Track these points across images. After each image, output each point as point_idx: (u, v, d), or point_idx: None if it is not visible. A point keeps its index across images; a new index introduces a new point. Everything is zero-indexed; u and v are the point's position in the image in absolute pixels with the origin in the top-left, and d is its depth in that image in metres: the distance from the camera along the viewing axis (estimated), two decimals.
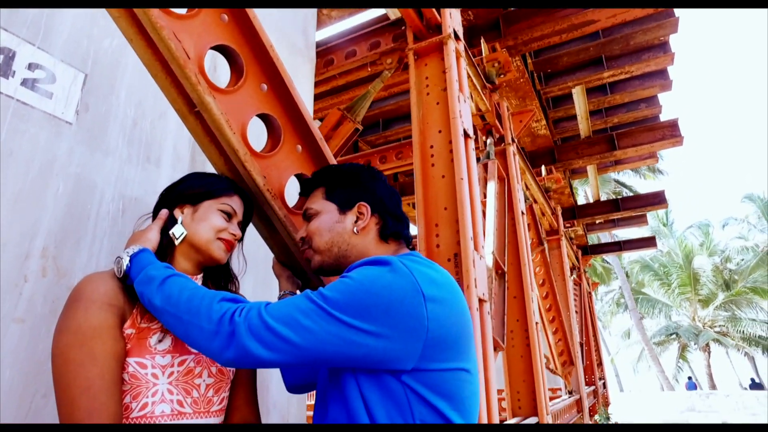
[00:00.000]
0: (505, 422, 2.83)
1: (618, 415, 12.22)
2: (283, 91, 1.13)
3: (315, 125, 1.19)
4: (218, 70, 1.97)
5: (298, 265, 1.27)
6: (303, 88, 2.70)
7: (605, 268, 22.84)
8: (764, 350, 18.67)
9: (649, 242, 10.48)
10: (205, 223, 1.06)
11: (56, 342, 0.86)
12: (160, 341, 0.95)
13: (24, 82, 1.34)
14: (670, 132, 6.21)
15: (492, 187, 3.27)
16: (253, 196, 1.13)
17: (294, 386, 1.20)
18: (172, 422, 0.91)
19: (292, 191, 1.30)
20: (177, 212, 1.10)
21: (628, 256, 24.67)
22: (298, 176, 1.20)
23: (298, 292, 1.29)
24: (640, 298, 21.54)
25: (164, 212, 1.07)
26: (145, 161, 1.66)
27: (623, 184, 18.36)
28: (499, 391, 4.55)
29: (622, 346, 24.23)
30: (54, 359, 0.84)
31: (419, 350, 0.86)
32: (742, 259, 21.65)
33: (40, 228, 1.32)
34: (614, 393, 14.91)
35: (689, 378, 19.32)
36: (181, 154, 1.82)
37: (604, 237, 18.36)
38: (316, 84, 3.29)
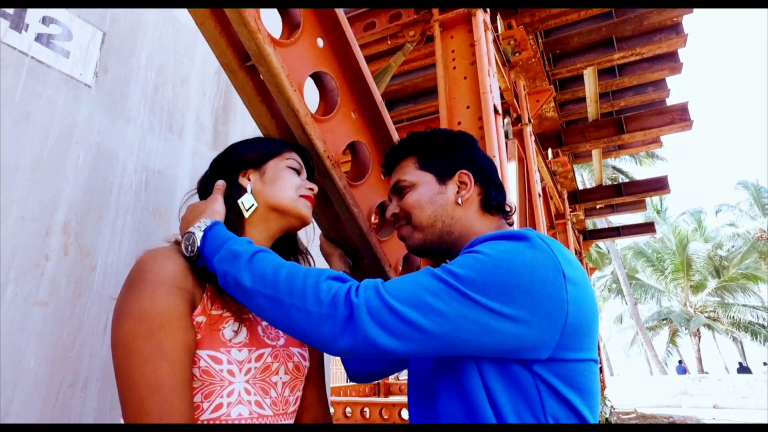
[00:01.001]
0: None
1: (612, 399, 12.40)
2: (342, 47, 1.00)
3: (375, 87, 1.06)
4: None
5: (350, 242, 1.15)
6: None
7: (599, 254, 22.99)
8: (753, 335, 19.02)
9: (647, 228, 10.50)
10: (282, 182, 0.92)
11: (118, 329, 0.73)
12: (235, 332, 0.81)
13: (38, 38, 1.20)
14: (680, 116, 6.12)
15: (512, 167, 3.16)
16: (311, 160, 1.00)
17: (360, 375, 1.08)
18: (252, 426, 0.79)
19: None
20: (242, 179, 0.94)
21: (621, 242, 24.86)
22: (350, 145, 1.08)
23: (348, 271, 1.18)
24: (633, 284, 21.75)
25: (221, 183, 0.92)
26: (168, 131, 1.53)
27: (620, 170, 18.38)
28: None
29: (614, 331, 24.54)
30: (116, 349, 0.72)
31: (557, 338, 0.75)
32: (733, 246, 21.89)
33: (60, 201, 1.19)
34: (607, 377, 15.11)
35: (679, 362, 19.67)
36: (204, 125, 1.68)
37: (600, 223, 18.42)
38: None
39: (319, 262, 1.31)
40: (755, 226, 21.90)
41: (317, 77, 1.03)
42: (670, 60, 6.14)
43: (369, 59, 3.37)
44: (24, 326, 1.07)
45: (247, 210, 0.89)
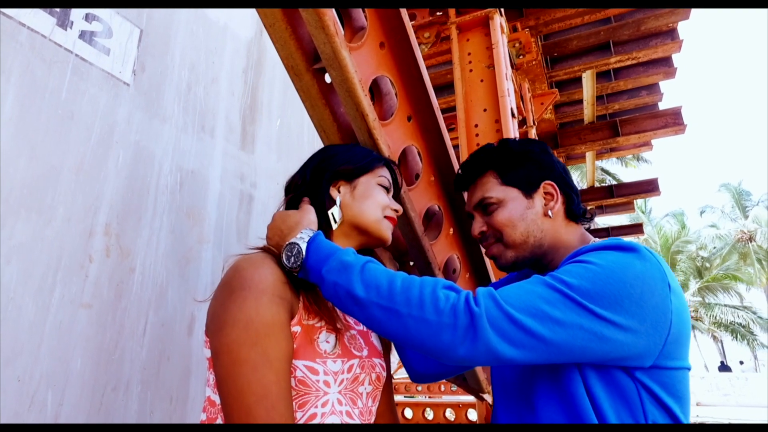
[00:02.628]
0: None
1: None
2: (403, 51, 1.00)
3: (433, 93, 1.06)
4: None
5: (400, 246, 1.15)
6: None
7: None
8: (733, 334, 19.49)
9: (636, 229, 10.66)
10: (371, 201, 0.91)
11: (222, 337, 0.71)
12: (327, 342, 0.81)
13: (82, 35, 1.18)
14: (673, 120, 6.24)
15: None
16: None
17: (423, 375, 1.08)
18: None
19: None
20: (333, 191, 0.92)
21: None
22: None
23: None
24: None
25: (306, 200, 0.89)
26: (200, 130, 1.51)
27: (608, 172, 18.64)
28: None
29: None
30: (220, 357, 0.71)
31: (661, 346, 0.77)
32: (714, 247, 22.38)
33: (102, 202, 1.17)
34: None
35: None
36: (234, 125, 1.67)
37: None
38: None
39: None
40: (736, 228, 22.42)
41: (380, 84, 1.03)
42: (664, 65, 6.26)
43: None
44: (71, 329, 1.06)
45: (335, 222, 0.88)
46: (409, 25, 0.97)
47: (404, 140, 1.07)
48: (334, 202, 0.90)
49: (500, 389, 0.95)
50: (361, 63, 0.92)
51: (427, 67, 5.11)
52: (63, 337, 1.04)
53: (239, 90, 1.74)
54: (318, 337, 0.80)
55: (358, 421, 0.82)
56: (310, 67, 0.92)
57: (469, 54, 2.55)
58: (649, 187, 8.22)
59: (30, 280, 1.00)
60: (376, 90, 1.05)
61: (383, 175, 0.94)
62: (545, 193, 0.96)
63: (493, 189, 0.96)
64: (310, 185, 0.91)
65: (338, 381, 0.79)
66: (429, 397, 6.22)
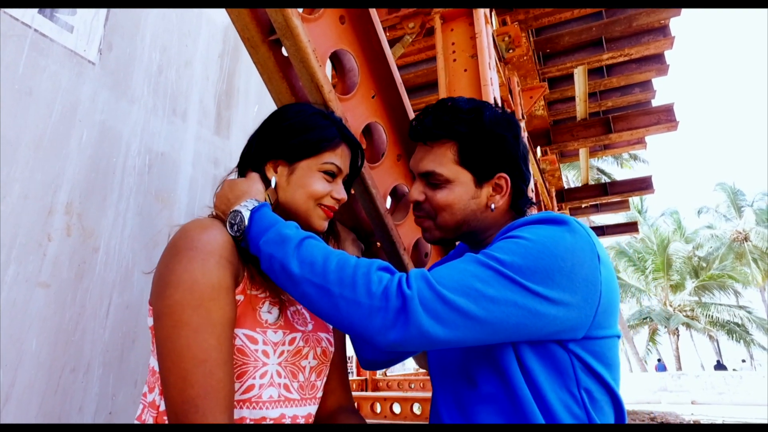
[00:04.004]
0: None
1: None
2: (364, 26, 0.98)
3: (396, 70, 1.04)
4: None
5: (363, 226, 1.13)
6: None
7: None
8: (729, 333, 19.54)
9: (631, 227, 10.70)
10: (303, 190, 0.86)
11: (164, 297, 0.69)
12: (270, 313, 0.79)
13: (41, 11, 1.15)
14: (665, 117, 6.24)
15: None
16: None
17: (372, 362, 1.07)
18: (280, 409, 0.77)
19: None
20: (269, 170, 0.89)
21: (604, 242, 25.28)
22: (366, 127, 1.05)
23: (360, 256, 1.16)
24: None
25: (255, 176, 0.87)
26: (171, 114, 1.49)
27: (603, 172, 18.67)
28: None
29: None
30: (161, 319, 0.69)
31: (592, 317, 0.77)
32: (711, 247, 22.43)
33: (63, 180, 1.15)
34: None
35: (659, 360, 20.08)
36: (208, 109, 1.65)
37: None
38: None
39: None
40: (732, 228, 22.48)
41: (335, 56, 1.01)
42: (657, 62, 6.26)
43: None
44: (26, 308, 1.03)
45: (271, 202, 0.86)
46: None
47: (367, 116, 1.05)
48: (269, 183, 0.87)
49: (438, 369, 0.94)
50: (318, 35, 0.90)
51: (407, 65, 5.09)
52: (17, 315, 1.01)
53: (215, 75, 1.72)
54: (260, 307, 0.78)
55: (296, 396, 0.81)
56: (266, 39, 0.90)
57: (453, 44, 2.53)
58: (643, 185, 8.23)
59: None
60: (339, 66, 1.03)
61: (331, 161, 0.89)
62: (495, 185, 0.91)
63: (446, 165, 0.90)
64: (253, 158, 0.88)
65: (278, 352, 0.78)
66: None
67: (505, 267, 0.72)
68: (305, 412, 0.82)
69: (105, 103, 1.27)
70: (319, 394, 0.87)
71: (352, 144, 0.94)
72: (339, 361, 0.96)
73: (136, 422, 0.77)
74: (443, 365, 0.92)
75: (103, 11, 1.31)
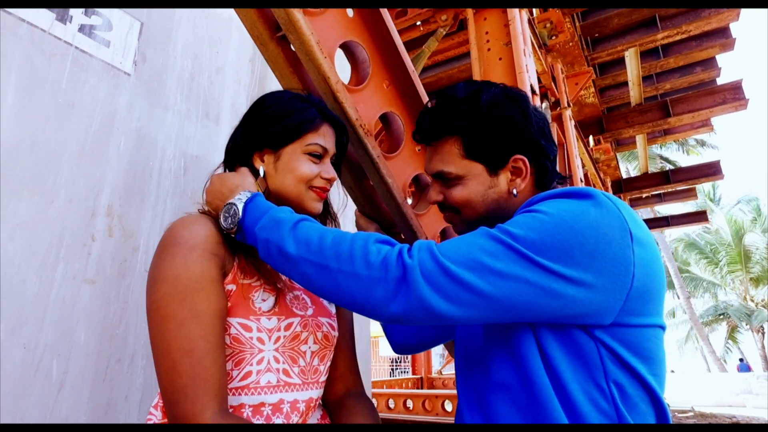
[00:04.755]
0: None
1: (666, 396, 11.82)
2: (373, 17, 0.98)
3: (407, 56, 1.04)
4: None
5: (386, 217, 1.13)
6: None
7: None
8: None
9: (699, 217, 9.94)
10: (292, 175, 0.87)
11: (152, 293, 0.73)
12: (264, 301, 0.81)
13: (81, 29, 1.25)
14: (732, 95, 5.76)
15: None
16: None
17: (404, 345, 1.05)
18: (279, 394, 0.79)
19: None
20: (257, 161, 0.90)
21: (670, 234, 23.71)
22: (383, 116, 1.05)
23: None
24: (684, 277, 20.67)
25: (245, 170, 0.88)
26: (204, 118, 1.56)
27: (667, 160, 17.51)
28: None
29: (666, 326, 23.41)
30: (150, 313, 0.72)
31: (622, 302, 0.70)
32: None
33: (104, 185, 1.23)
34: None
35: (741, 360, 18.51)
36: (240, 112, 1.70)
37: (645, 214, 17.63)
38: None
39: None
40: None
41: (349, 50, 1.02)
42: (720, 36, 5.79)
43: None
44: (74, 303, 1.12)
45: (262, 191, 0.88)
46: None
47: (382, 106, 1.05)
48: (257, 173, 0.88)
49: (461, 355, 0.90)
50: (324, 28, 0.91)
51: (448, 60, 5.01)
52: (66, 310, 1.10)
53: (246, 79, 1.78)
54: (254, 296, 0.80)
55: (297, 380, 0.81)
56: (274, 36, 0.92)
57: (487, 33, 2.48)
58: (710, 171, 7.65)
59: (33, 256, 1.06)
60: (351, 58, 1.04)
61: (315, 142, 0.89)
62: (513, 169, 0.86)
63: (454, 162, 0.86)
64: (238, 152, 0.90)
65: (273, 338, 0.79)
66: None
67: (517, 241, 0.67)
68: (306, 396, 0.83)
69: (140, 111, 1.35)
70: (323, 378, 0.88)
71: (335, 122, 0.94)
72: (346, 345, 0.96)
73: (152, 410, 0.80)
74: (467, 352, 0.89)
75: (137, 25, 1.39)
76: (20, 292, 1.03)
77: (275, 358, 0.79)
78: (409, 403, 3.79)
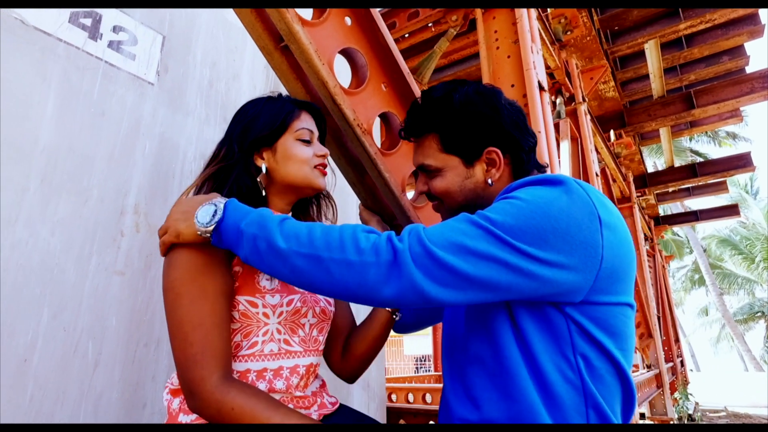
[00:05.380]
0: None
1: (698, 396, 11.53)
2: (370, 25, 1.07)
3: (402, 59, 1.12)
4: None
5: (387, 210, 1.22)
6: None
7: (676, 242, 21.38)
8: None
9: (730, 211, 9.66)
10: (293, 161, 0.97)
11: (167, 275, 0.83)
12: (268, 280, 0.91)
13: (110, 44, 1.37)
14: (761, 84, 5.60)
15: (565, 146, 3.08)
16: (340, 132, 1.04)
17: (402, 325, 1.14)
18: (279, 361, 0.89)
19: (376, 132, 1.25)
20: (258, 160, 0.99)
21: (703, 231, 22.96)
22: (383, 116, 1.14)
23: None
24: (718, 273, 19.99)
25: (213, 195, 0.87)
26: (222, 122, 1.67)
27: (698, 153, 16.98)
28: None
29: (698, 325, 22.69)
30: (166, 294, 0.83)
31: (592, 281, 0.76)
32: None
33: (131, 185, 1.36)
34: (692, 373, 14.06)
35: None
36: None
37: (675, 209, 17.15)
38: None
39: None
40: None
41: (349, 55, 1.11)
42: (748, 23, 5.63)
43: (414, 48, 3.41)
44: (106, 292, 1.24)
45: (263, 188, 0.97)
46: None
47: (380, 106, 1.14)
48: (260, 170, 0.98)
49: (447, 337, 0.97)
50: (324, 37, 1.00)
51: (466, 58, 5.03)
52: (99, 298, 1.23)
53: (261, 84, 1.89)
54: (259, 276, 0.89)
55: (298, 348, 0.91)
56: (278, 46, 1.02)
57: (496, 32, 2.53)
58: (739, 163, 7.44)
59: (71, 249, 1.19)
60: (352, 64, 1.13)
61: (302, 127, 0.99)
62: (488, 160, 0.93)
63: (433, 156, 0.94)
64: (240, 158, 0.97)
65: (277, 313, 0.88)
66: None
67: (496, 226, 0.73)
68: (307, 362, 0.93)
69: (163, 117, 1.48)
70: (322, 347, 0.98)
71: (309, 107, 1.04)
72: (342, 316, 1.08)
73: (167, 384, 0.91)
74: (452, 331, 0.96)
75: (159, 38, 1.52)
76: (60, 281, 1.16)
77: (278, 330, 0.89)
78: (428, 397, 3.86)
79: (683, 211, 13.89)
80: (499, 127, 0.92)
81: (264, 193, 1.01)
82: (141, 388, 1.28)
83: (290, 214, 1.09)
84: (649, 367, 5.22)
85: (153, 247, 1.38)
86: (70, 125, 1.24)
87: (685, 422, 6.96)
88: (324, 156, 1.02)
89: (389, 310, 1.06)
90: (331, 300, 1.04)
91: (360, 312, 1.53)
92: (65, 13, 1.28)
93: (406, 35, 3.04)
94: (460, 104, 0.92)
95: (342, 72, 1.25)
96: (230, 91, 1.73)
